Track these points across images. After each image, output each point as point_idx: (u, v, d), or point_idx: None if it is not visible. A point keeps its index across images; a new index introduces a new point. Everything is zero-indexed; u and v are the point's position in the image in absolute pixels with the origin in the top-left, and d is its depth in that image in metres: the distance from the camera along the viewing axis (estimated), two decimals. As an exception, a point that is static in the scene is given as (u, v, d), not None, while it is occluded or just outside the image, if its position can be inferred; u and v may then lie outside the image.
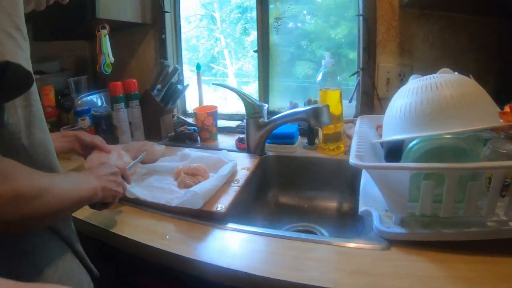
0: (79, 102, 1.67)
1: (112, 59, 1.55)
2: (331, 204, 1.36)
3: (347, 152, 1.35)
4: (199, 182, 1.13)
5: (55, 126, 1.74)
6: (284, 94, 1.81)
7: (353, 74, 1.55)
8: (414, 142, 0.82)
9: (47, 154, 0.70)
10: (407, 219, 0.85)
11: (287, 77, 1.81)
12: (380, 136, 1.22)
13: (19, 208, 0.52)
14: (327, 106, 1.23)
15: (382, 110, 1.49)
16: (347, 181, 1.32)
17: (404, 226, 0.84)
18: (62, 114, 1.78)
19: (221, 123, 1.76)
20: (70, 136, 1.08)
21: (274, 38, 1.73)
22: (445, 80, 0.80)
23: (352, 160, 0.83)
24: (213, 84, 1.34)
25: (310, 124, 1.28)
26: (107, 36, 1.52)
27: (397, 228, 0.84)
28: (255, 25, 1.74)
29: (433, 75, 0.85)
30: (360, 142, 0.98)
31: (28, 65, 0.58)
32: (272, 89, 1.79)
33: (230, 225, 0.97)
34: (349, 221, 1.26)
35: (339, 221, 1.29)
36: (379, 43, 1.45)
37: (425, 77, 0.86)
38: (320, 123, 1.23)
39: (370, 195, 0.97)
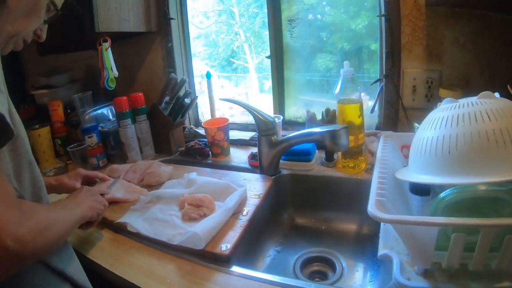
0: (87, 117, 1.56)
1: (116, 73, 1.44)
2: (350, 226, 1.21)
3: (368, 170, 1.19)
4: (204, 214, 1.02)
5: (64, 142, 1.66)
6: (304, 89, 1.66)
7: (375, 82, 1.37)
8: (447, 192, 0.66)
9: (37, 192, 0.74)
10: (432, 269, 0.71)
11: (307, 71, 1.65)
12: (406, 158, 1.07)
13: (37, 241, 0.57)
14: (346, 129, 1.07)
15: (407, 122, 1.31)
16: (367, 200, 1.15)
17: (428, 278, 0.70)
18: (71, 130, 1.69)
19: (234, 134, 1.62)
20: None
21: (288, 41, 1.57)
22: (487, 109, 0.64)
23: (372, 209, 0.68)
24: (220, 100, 1.22)
25: (326, 147, 1.12)
26: (109, 49, 1.41)
27: (419, 281, 0.69)
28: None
29: (472, 99, 0.69)
30: (383, 177, 0.82)
31: (6, 117, 0.57)
32: (290, 90, 1.63)
33: (235, 268, 0.85)
34: (368, 246, 1.11)
35: (359, 245, 1.14)
36: (403, 46, 1.27)
37: (461, 102, 0.69)
38: (338, 147, 1.08)
39: (392, 234, 0.82)
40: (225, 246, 0.89)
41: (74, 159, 1.54)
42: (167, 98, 1.53)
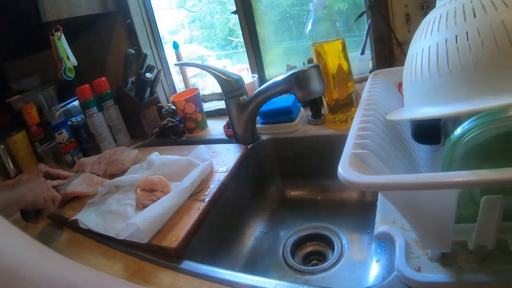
0: (57, 114, 1.37)
1: (75, 62, 1.23)
2: (350, 193, 0.95)
3: None
4: (159, 199, 0.80)
5: (43, 144, 1.49)
6: (288, 57, 1.39)
7: (360, 17, 1.07)
8: (465, 127, 0.39)
9: None
10: (453, 252, 0.45)
11: (290, 39, 1.38)
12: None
13: None
14: (316, 68, 0.81)
15: (405, 59, 1.04)
16: None
17: (448, 266, 0.44)
18: (47, 131, 1.52)
19: (213, 105, 1.39)
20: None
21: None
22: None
23: (343, 169, 0.43)
24: (175, 65, 1.02)
25: (297, 96, 0.85)
26: (62, 38, 1.20)
27: (435, 271, 0.44)
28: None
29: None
30: (366, 121, 0.56)
31: None
32: (269, 55, 1.37)
33: (186, 264, 0.64)
34: (373, 215, 0.84)
35: (361, 216, 0.88)
36: None
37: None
38: (310, 93, 0.82)
39: None
40: (174, 237, 0.68)
41: (47, 159, 1.37)
42: (132, 79, 1.32)
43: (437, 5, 0.50)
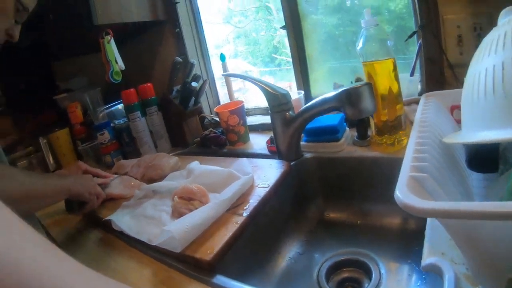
0: (101, 115, 1.40)
1: (122, 66, 1.26)
2: (392, 220, 0.89)
3: None
4: (195, 209, 0.77)
5: (85, 143, 1.51)
6: (332, 77, 1.34)
7: (411, 36, 1.03)
8: None
9: None
10: None
11: (334, 59, 1.35)
12: (458, 122, 0.76)
13: None
14: (369, 86, 0.77)
15: (457, 82, 0.97)
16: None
17: None
18: (89, 130, 1.55)
19: (256, 119, 1.37)
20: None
21: (304, 8, 1.28)
22: None
23: (401, 192, 0.40)
24: (222, 75, 1.02)
25: (346, 116, 0.82)
26: (112, 42, 1.23)
27: None
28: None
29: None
30: (422, 143, 0.53)
31: None
32: (314, 73, 1.34)
33: (219, 279, 0.61)
34: (415, 245, 0.79)
35: (402, 245, 0.82)
36: None
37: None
38: (360, 111, 0.78)
39: (444, 233, 0.51)
40: (209, 250, 0.65)
41: (87, 158, 1.38)
42: (178, 87, 1.32)
43: (499, 23, 0.48)
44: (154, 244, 0.71)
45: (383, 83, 0.85)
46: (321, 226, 0.98)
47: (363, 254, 0.83)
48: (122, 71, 1.27)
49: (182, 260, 0.67)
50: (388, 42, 0.84)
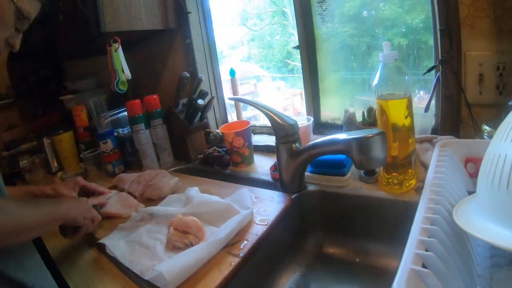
0: (105, 122, 1.38)
1: (129, 75, 1.24)
2: (391, 262, 0.86)
3: (419, 189, 0.83)
4: (191, 243, 0.76)
5: (88, 147, 1.50)
6: (345, 85, 1.33)
7: (429, 71, 1.00)
8: None
9: None
10: None
11: (346, 70, 1.33)
12: (472, 176, 0.73)
13: None
14: (382, 136, 0.73)
15: (473, 123, 0.94)
16: None
17: None
18: (93, 136, 1.53)
19: (261, 140, 1.34)
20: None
21: (320, 28, 1.25)
22: None
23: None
24: (229, 99, 0.99)
25: (354, 163, 0.78)
26: (120, 50, 1.21)
27: None
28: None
29: None
30: (433, 219, 0.52)
31: None
32: (325, 84, 1.31)
33: None
34: None
35: None
36: (463, 21, 0.89)
37: None
38: (370, 161, 0.75)
39: None
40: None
41: (88, 165, 1.37)
42: (184, 100, 1.30)
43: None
44: (145, 278, 0.69)
45: (396, 121, 0.82)
46: (318, 260, 0.95)
47: None
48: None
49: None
50: (407, 77, 0.80)
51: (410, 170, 0.86)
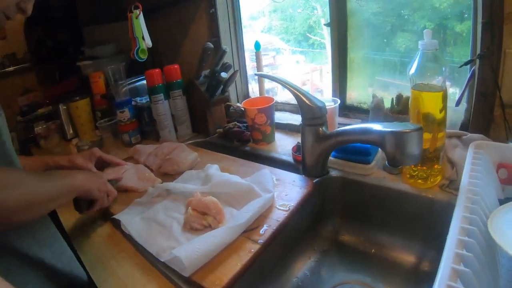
0: (123, 90, 1.35)
1: (149, 44, 1.20)
2: (407, 257, 0.84)
3: (444, 187, 0.80)
4: (209, 225, 0.75)
5: (104, 115, 1.48)
6: (374, 67, 1.27)
7: (465, 64, 0.92)
8: None
9: None
10: None
11: (369, 48, 1.27)
12: (503, 183, 0.69)
13: None
14: (420, 132, 0.69)
15: (505, 124, 0.88)
16: (437, 229, 0.77)
17: None
18: (110, 104, 1.51)
19: (284, 117, 1.30)
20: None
21: (351, 3, 1.19)
22: None
23: None
24: (256, 75, 0.96)
25: (386, 155, 0.74)
26: (140, 17, 1.17)
27: None
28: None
29: None
30: (467, 233, 0.50)
31: None
32: (354, 69, 1.25)
33: None
34: (424, 286, 0.76)
35: (412, 284, 0.79)
36: (507, 16, 0.82)
37: None
38: (404, 158, 0.70)
39: None
40: (218, 280, 0.62)
41: (104, 134, 1.36)
42: (206, 72, 1.26)
43: None
44: (163, 261, 0.67)
45: (430, 111, 0.77)
46: (334, 247, 0.93)
47: (371, 286, 0.79)
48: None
49: (189, 283, 0.64)
50: (444, 68, 0.75)
51: (436, 166, 0.82)
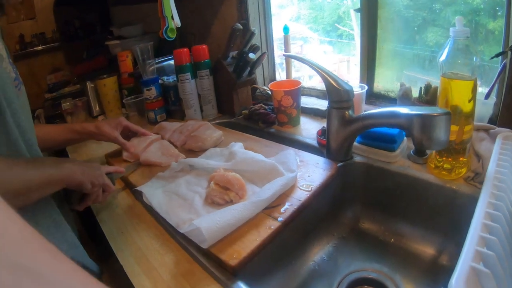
0: (150, 69, 1.36)
1: (178, 23, 1.20)
2: (426, 249, 0.83)
3: (469, 179, 0.78)
4: (231, 200, 0.76)
5: (131, 93, 1.50)
6: (402, 59, 1.25)
7: (497, 56, 0.89)
8: None
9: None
10: None
11: (398, 42, 1.25)
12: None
13: None
14: (448, 116, 0.68)
15: None
16: (459, 222, 0.77)
17: None
18: (137, 82, 1.54)
19: (310, 102, 1.30)
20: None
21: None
22: None
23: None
24: (284, 55, 0.95)
25: (413, 140, 0.72)
26: (170, -4, 1.18)
27: None
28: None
29: None
30: (495, 216, 0.50)
31: None
32: (383, 57, 1.24)
33: (240, 285, 0.59)
34: (442, 280, 0.75)
35: (430, 277, 0.78)
36: None
37: None
38: (431, 142, 0.69)
39: None
40: (236, 254, 0.63)
41: (130, 111, 1.38)
42: (234, 53, 1.27)
43: None
44: (182, 232, 0.68)
45: (458, 103, 0.76)
46: (353, 234, 0.93)
47: (388, 277, 0.79)
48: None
49: (207, 254, 0.65)
50: (475, 58, 0.73)
51: (462, 158, 0.80)
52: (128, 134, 1.08)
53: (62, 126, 0.99)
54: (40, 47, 2.33)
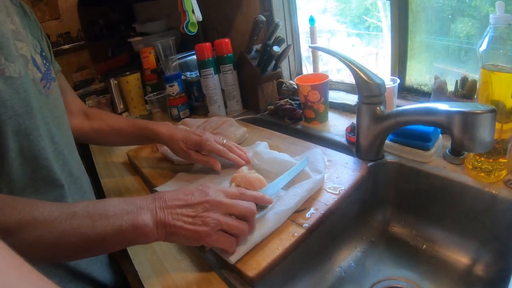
0: (173, 64, 1.34)
1: (200, 17, 1.17)
2: (460, 257, 0.76)
3: (509, 183, 0.71)
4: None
5: (154, 89, 1.49)
6: (435, 51, 1.16)
7: None
8: None
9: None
10: None
11: (426, 33, 1.16)
12: None
13: None
14: (493, 114, 0.60)
15: None
16: (497, 229, 0.70)
17: None
18: (160, 79, 1.52)
19: (338, 96, 1.24)
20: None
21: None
22: None
23: None
24: (310, 47, 0.90)
25: (453, 140, 0.66)
26: (190, -11, 1.15)
27: None
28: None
29: None
30: None
31: None
32: (415, 48, 1.16)
33: None
34: None
35: (463, 287, 0.72)
36: None
37: None
38: (473, 143, 0.62)
39: None
40: (255, 266, 0.58)
41: (153, 108, 1.36)
42: (257, 46, 1.22)
43: None
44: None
45: (499, 97, 0.69)
46: (383, 238, 0.88)
47: (419, 287, 0.73)
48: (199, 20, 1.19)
49: (225, 264, 0.62)
50: None
51: (502, 159, 0.73)
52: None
53: (129, 123, 0.93)
54: (66, 46, 2.39)
